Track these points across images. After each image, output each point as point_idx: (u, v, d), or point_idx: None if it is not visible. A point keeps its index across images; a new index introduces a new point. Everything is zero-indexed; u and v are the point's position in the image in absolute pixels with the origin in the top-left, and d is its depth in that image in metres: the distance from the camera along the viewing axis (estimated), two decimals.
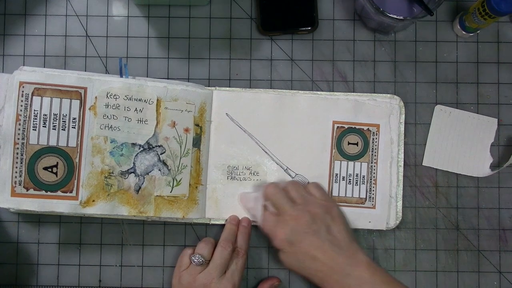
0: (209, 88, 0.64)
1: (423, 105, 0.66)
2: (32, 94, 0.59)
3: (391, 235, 0.65)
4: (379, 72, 0.66)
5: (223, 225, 0.64)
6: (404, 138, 0.65)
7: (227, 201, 0.63)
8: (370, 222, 0.64)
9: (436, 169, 0.66)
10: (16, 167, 0.58)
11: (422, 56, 0.66)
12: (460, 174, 0.65)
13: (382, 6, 0.58)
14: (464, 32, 0.65)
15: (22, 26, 0.66)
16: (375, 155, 0.64)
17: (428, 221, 0.65)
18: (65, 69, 0.65)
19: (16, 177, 0.58)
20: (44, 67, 0.65)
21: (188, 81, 0.64)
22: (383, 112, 0.64)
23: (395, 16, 0.58)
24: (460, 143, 0.65)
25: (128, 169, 0.61)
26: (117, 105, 0.60)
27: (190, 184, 0.62)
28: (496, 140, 0.66)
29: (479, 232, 0.65)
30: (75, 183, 0.59)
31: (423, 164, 0.65)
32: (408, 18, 0.58)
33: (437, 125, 0.66)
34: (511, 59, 0.66)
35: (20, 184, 0.59)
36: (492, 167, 0.65)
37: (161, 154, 0.61)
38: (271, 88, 0.65)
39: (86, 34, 0.66)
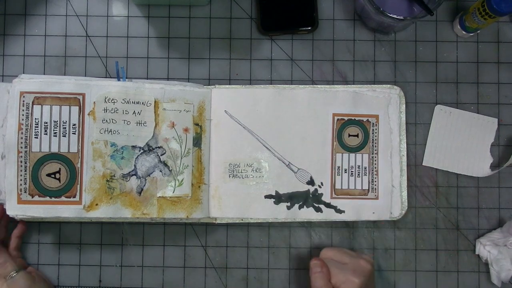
0: (208, 86, 0.64)
1: (423, 105, 0.66)
2: (33, 103, 0.59)
3: (391, 235, 0.65)
4: (379, 72, 0.66)
5: (227, 225, 0.64)
6: (403, 137, 0.65)
7: (230, 199, 0.63)
8: (374, 213, 0.63)
9: (436, 169, 0.65)
10: (21, 175, 0.59)
11: (422, 56, 0.66)
12: (460, 174, 0.65)
13: (382, 6, 0.58)
14: (464, 32, 0.65)
15: (22, 26, 0.66)
16: (375, 146, 0.64)
17: (428, 221, 0.65)
18: (65, 69, 0.65)
19: (21, 184, 0.59)
20: (44, 67, 0.65)
21: (188, 81, 0.64)
22: (381, 102, 0.64)
23: (395, 16, 0.58)
24: (460, 143, 0.65)
25: (130, 172, 0.61)
26: (115, 109, 0.60)
27: (192, 184, 0.62)
28: (496, 140, 0.66)
29: (479, 232, 0.65)
30: (78, 188, 0.60)
31: (423, 164, 0.65)
32: (408, 18, 0.58)
33: (437, 125, 0.66)
34: (511, 59, 0.66)
35: (25, 191, 0.59)
36: (492, 167, 0.65)
37: (162, 155, 0.61)
38: None
39: (86, 34, 0.66)
